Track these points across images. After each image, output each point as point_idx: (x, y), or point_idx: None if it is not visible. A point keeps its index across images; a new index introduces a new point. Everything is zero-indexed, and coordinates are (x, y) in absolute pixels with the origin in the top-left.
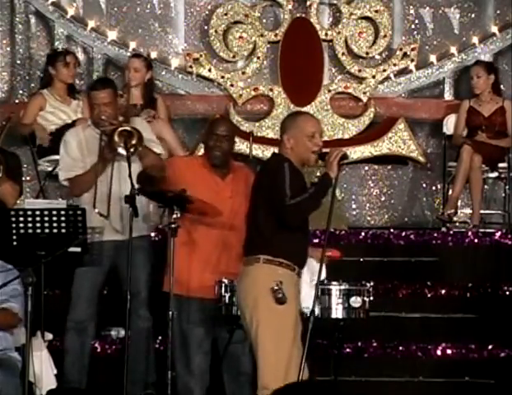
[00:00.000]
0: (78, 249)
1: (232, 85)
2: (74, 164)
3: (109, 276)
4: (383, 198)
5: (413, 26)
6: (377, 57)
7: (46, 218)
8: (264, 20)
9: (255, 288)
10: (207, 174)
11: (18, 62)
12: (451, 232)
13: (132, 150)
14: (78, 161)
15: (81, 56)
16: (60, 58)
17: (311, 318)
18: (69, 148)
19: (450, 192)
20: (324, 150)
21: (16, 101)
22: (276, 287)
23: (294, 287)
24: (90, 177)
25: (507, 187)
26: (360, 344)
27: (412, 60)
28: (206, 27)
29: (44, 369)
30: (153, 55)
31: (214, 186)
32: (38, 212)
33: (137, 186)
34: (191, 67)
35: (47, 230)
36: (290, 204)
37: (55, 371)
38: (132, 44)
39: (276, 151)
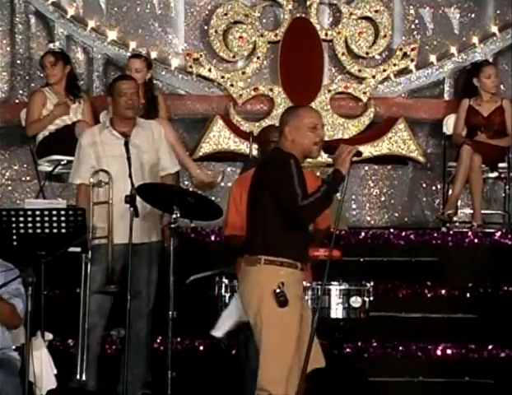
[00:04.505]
0: (78, 249)
1: (232, 85)
2: (84, 169)
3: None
4: (383, 198)
5: (413, 26)
6: (377, 57)
7: (46, 218)
8: (264, 20)
9: (257, 290)
10: None
11: (18, 62)
12: (451, 232)
13: None
14: (89, 165)
15: (81, 56)
16: (42, 59)
17: (315, 317)
18: (81, 152)
19: (450, 192)
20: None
21: (16, 101)
22: (277, 290)
23: (298, 285)
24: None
25: (507, 187)
26: (360, 344)
27: (412, 60)
28: (206, 27)
29: (44, 369)
30: (153, 55)
31: None
32: (38, 212)
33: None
34: (191, 67)
35: (47, 230)
36: (305, 205)
37: (55, 371)
38: (132, 44)
39: None
